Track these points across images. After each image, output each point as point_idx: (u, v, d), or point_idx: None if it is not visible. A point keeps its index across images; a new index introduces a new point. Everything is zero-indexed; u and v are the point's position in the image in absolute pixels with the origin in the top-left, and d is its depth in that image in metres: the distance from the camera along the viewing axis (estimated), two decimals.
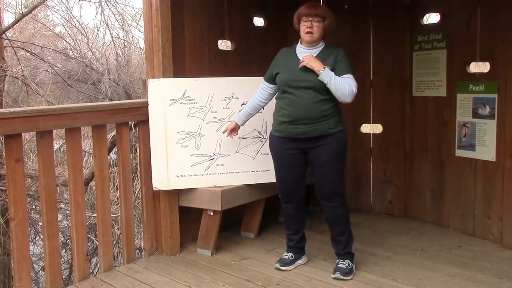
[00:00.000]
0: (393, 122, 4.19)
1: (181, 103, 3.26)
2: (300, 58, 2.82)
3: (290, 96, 2.82)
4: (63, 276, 5.65)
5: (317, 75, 2.74)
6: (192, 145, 3.29)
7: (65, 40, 9.10)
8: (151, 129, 3.22)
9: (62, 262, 5.62)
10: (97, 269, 4.01)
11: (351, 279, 2.91)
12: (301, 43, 2.90)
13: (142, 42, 8.72)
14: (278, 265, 3.09)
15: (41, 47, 8.18)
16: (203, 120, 3.31)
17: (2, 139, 3.49)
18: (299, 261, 3.14)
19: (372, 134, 4.41)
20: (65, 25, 9.16)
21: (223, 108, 3.35)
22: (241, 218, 3.78)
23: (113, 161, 6.47)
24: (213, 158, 3.34)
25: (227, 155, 3.36)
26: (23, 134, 2.76)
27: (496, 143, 3.43)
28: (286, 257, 3.12)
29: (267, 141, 3.12)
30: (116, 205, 5.93)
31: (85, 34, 8.72)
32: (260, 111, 3.20)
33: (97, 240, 3.27)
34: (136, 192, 5.72)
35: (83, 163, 3.53)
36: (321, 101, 2.78)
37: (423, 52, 3.92)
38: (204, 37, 3.66)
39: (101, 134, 3.08)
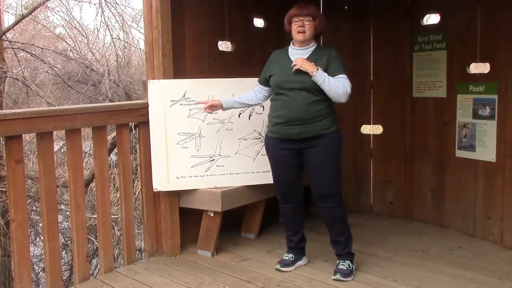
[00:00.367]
0: (393, 123, 4.20)
1: (181, 104, 3.26)
2: (292, 59, 2.84)
3: (284, 98, 2.84)
4: (64, 278, 5.65)
5: (307, 76, 2.76)
6: (192, 146, 3.29)
7: (65, 42, 9.11)
8: (151, 130, 3.22)
9: (62, 263, 5.62)
10: (97, 270, 4.01)
11: (352, 280, 2.91)
12: (293, 44, 2.93)
13: (142, 43, 8.74)
14: (278, 266, 3.09)
15: (41, 48, 8.18)
16: (203, 121, 3.31)
17: (3, 140, 3.49)
18: (300, 262, 3.14)
19: (373, 135, 4.41)
20: (65, 26, 9.18)
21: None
22: (241, 219, 3.78)
23: (113, 162, 6.47)
24: (213, 159, 3.33)
25: (227, 156, 3.36)
26: (23, 135, 2.76)
27: (497, 144, 3.43)
28: (287, 258, 3.12)
29: None
30: (117, 206, 5.93)
31: (85, 35, 8.73)
32: (254, 110, 3.23)
33: (97, 241, 3.27)
34: (137, 193, 5.71)
35: (84, 164, 3.52)
36: (315, 102, 2.79)
37: (423, 53, 3.92)
38: (204, 38, 3.66)
39: (101, 135, 3.09)
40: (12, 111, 2.68)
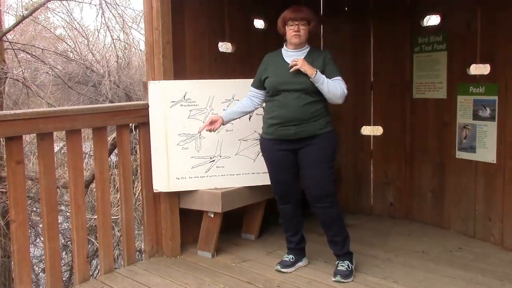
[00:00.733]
0: (393, 124, 4.20)
1: (181, 105, 3.26)
2: (287, 61, 2.86)
3: (279, 99, 2.85)
4: (64, 278, 5.65)
5: (307, 78, 2.78)
6: (192, 147, 3.29)
7: (65, 42, 9.11)
8: (151, 131, 3.22)
9: (62, 264, 5.62)
10: (97, 271, 4.00)
11: (352, 281, 2.91)
12: (286, 46, 2.95)
13: (142, 44, 8.74)
14: (278, 267, 3.09)
15: (42, 49, 8.18)
16: (203, 122, 3.30)
17: (3, 141, 3.50)
18: (300, 263, 3.14)
19: (373, 136, 4.41)
20: (66, 27, 9.18)
21: (224, 110, 3.34)
22: (241, 220, 3.78)
23: (113, 163, 6.47)
24: (214, 160, 3.33)
25: (227, 157, 3.36)
26: (23, 136, 2.76)
27: (497, 145, 3.43)
28: (287, 259, 3.12)
29: None
30: (117, 207, 5.93)
31: (85, 36, 8.72)
32: (255, 111, 3.21)
33: (97, 242, 3.28)
34: (137, 194, 5.71)
35: (84, 165, 3.52)
36: (311, 102, 2.82)
37: (424, 54, 3.92)
38: (204, 39, 3.66)
39: (102, 136, 3.09)
40: (12, 112, 2.68)
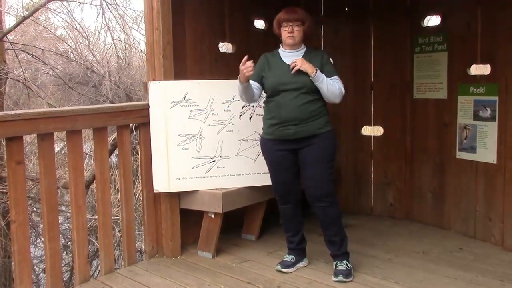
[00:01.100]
0: (394, 124, 4.20)
1: (182, 106, 3.27)
2: (286, 61, 2.89)
3: (278, 99, 2.86)
4: (64, 279, 5.65)
5: (306, 77, 2.80)
6: (193, 147, 3.29)
7: (66, 43, 9.11)
8: (152, 131, 3.22)
9: (63, 265, 5.61)
10: (98, 271, 4.00)
11: (352, 280, 2.91)
12: (282, 47, 2.97)
13: (143, 45, 8.73)
14: (279, 267, 3.09)
15: (42, 49, 8.18)
16: (204, 122, 3.31)
17: (3, 141, 3.50)
18: (300, 264, 3.14)
19: (373, 136, 4.41)
20: (66, 27, 9.18)
21: (224, 110, 3.35)
22: (242, 221, 3.78)
23: (114, 163, 6.47)
24: (214, 161, 3.34)
25: (228, 157, 3.36)
26: (24, 136, 2.76)
27: (497, 146, 3.42)
28: (287, 259, 3.12)
29: None
30: (117, 207, 5.93)
31: (86, 37, 8.72)
32: (255, 111, 3.27)
33: (98, 243, 3.28)
34: (137, 194, 5.71)
35: (84, 165, 3.52)
36: (310, 101, 2.83)
37: (424, 54, 3.92)
38: (205, 39, 3.67)
39: (102, 136, 3.09)
40: (13, 112, 2.68)
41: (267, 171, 3.14)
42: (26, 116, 2.65)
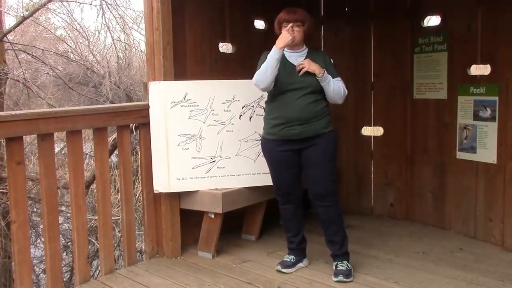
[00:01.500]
0: (394, 124, 4.20)
1: (182, 106, 3.27)
2: (290, 61, 2.90)
3: (283, 98, 2.87)
4: (64, 279, 5.65)
5: (313, 77, 2.82)
6: (193, 147, 3.29)
7: (66, 43, 9.11)
8: (152, 131, 3.22)
9: (63, 265, 5.61)
10: (98, 272, 4.00)
11: (352, 281, 2.91)
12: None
13: (143, 45, 8.73)
14: (279, 267, 3.09)
15: (42, 50, 8.19)
16: (204, 122, 3.31)
17: (3, 142, 3.50)
18: (301, 264, 3.14)
19: (373, 136, 4.41)
20: (66, 28, 9.19)
21: (224, 110, 3.35)
22: (242, 221, 3.77)
23: (114, 163, 6.47)
24: (214, 161, 3.33)
25: (228, 157, 3.36)
26: (24, 137, 2.76)
27: (497, 146, 3.42)
28: (288, 259, 3.12)
29: None
30: (117, 207, 5.93)
31: (86, 37, 8.73)
32: (255, 112, 3.27)
33: (98, 243, 3.28)
34: (137, 194, 5.71)
35: (84, 165, 3.53)
36: (314, 101, 2.85)
37: (424, 54, 3.92)
38: (205, 39, 3.66)
39: (102, 136, 3.09)
40: (13, 112, 2.68)
41: (267, 171, 3.14)
42: (26, 116, 2.65)
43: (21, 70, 7.85)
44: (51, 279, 2.83)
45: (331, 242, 3.01)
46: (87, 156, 6.95)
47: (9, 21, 8.56)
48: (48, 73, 8.33)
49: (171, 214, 3.33)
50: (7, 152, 2.64)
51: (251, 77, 3.26)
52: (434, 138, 3.92)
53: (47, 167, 2.78)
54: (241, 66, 3.86)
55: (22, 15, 7.69)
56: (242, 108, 3.38)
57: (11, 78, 7.69)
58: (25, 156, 4.43)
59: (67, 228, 6.78)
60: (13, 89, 8.48)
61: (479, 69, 3.66)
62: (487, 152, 3.50)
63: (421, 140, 4.03)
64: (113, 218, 3.40)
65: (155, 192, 3.27)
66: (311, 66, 2.81)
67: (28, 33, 8.97)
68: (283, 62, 2.90)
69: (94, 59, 8.75)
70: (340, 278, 2.90)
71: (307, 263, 3.18)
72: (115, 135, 5.22)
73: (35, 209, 7.05)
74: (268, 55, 2.82)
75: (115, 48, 8.51)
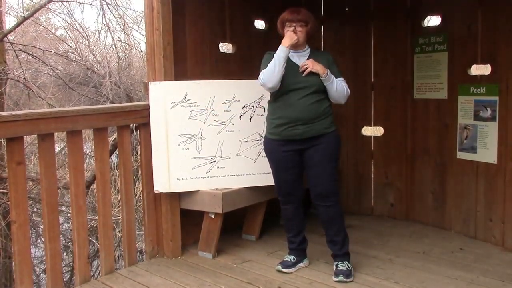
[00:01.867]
0: (394, 124, 4.20)
1: (182, 106, 3.27)
2: (295, 62, 2.89)
3: (287, 98, 2.86)
4: (64, 279, 5.65)
5: (316, 77, 2.82)
6: (193, 147, 3.29)
7: (66, 43, 9.11)
8: (152, 131, 3.22)
9: (63, 265, 5.62)
10: (98, 272, 4.00)
11: (352, 281, 2.91)
12: None
13: (143, 45, 8.73)
14: (279, 267, 3.09)
15: (43, 50, 8.19)
16: (204, 122, 3.31)
17: (4, 142, 3.50)
18: (301, 264, 3.14)
19: (374, 136, 4.41)
20: (67, 28, 9.19)
21: (224, 110, 3.35)
22: (242, 221, 3.78)
23: (114, 163, 6.47)
24: (214, 161, 3.33)
25: (228, 157, 3.36)
26: (24, 137, 2.76)
27: (498, 146, 3.42)
28: (288, 259, 3.12)
29: None
30: (118, 207, 5.93)
31: (86, 37, 8.73)
32: (255, 112, 3.26)
33: (98, 243, 3.28)
34: (138, 195, 5.71)
35: (85, 166, 3.53)
36: (318, 101, 2.86)
37: (424, 54, 3.92)
38: (205, 40, 3.66)
39: (103, 137, 3.09)
40: (13, 112, 2.68)
41: (268, 171, 3.14)
42: (26, 116, 2.65)
43: (22, 70, 7.86)
44: (51, 279, 2.83)
45: (332, 242, 3.01)
46: (88, 156, 6.96)
47: (10, 21, 8.58)
48: (48, 73, 8.33)
49: (172, 214, 3.33)
50: (8, 152, 2.64)
51: (251, 77, 3.27)
52: (434, 138, 3.92)
53: (47, 167, 2.78)
54: (242, 66, 3.87)
55: (22, 15, 7.69)
56: (243, 108, 3.38)
57: (11, 78, 7.69)
58: (26, 156, 4.44)
59: (67, 228, 6.78)
60: (14, 89, 8.48)
61: (480, 69, 3.66)
62: (487, 152, 3.50)
63: (421, 140, 4.03)
64: (113, 218, 3.40)
65: (155, 192, 3.27)
66: (315, 66, 2.82)
67: (28, 33, 8.98)
68: (287, 61, 2.90)
69: (94, 59, 8.75)
70: (341, 278, 2.90)
71: (307, 263, 3.18)
72: (115, 135, 5.22)
73: (35, 209, 7.05)
74: (275, 54, 2.82)
75: (116, 48, 8.52)
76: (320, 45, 4.33)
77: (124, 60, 8.78)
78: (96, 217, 3.26)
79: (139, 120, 3.27)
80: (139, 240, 5.01)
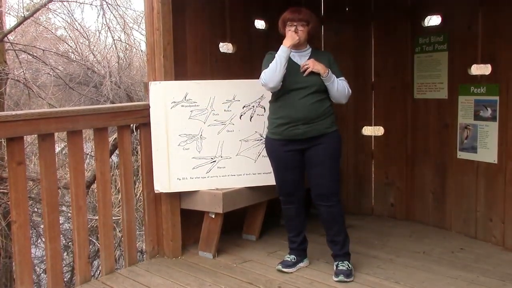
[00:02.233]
0: (394, 124, 4.19)
1: (182, 106, 3.27)
2: (296, 61, 2.89)
3: (288, 98, 2.86)
4: (65, 279, 5.65)
5: (317, 77, 2.82)
6: (193, 147, 3.29)
7: (66, 43, 9.12)
8: (152, 131, 3.22)
9: (63, 265, 5.61)
10: (98, 271, 4.01)
11: (352, 281, 2.91)
12: None
13: (143, 45, 8.74)
14: (280, 267, 3.09)
15: (43, 50, 8.19)
16: (204, 122, 3.31)
17: (4, 142, 3.51)
18: (301, 264, 3.14)
19: (374, 136, 4.40)
20: (67, 28, 9.20)
21: (225, 110, 3.35)
22: (242, 221, 3.77)
23: (114, 163, 6.47)
24: (215, 161, 3.33)
25: (228, 157, 3.36)
26: (24, 137, 2.76)
27: (498, 146, 3.42)
28: (288, 259, 3.12)
29: None
30: (118, 207, 5.92)
31: (86, 37, 8.74)
32: (256, 112, 3.26)
33: (98, 243, 3.27)
34: (138, 194, 5.72)
35: (85, 165, 3.53)
36: (319, 101, 2.86)
37: (425, 54, 3.92)
38: (205, 39, 3.66)
39: (103, 137, 3.09)
40: (13, 112, 2.68)
41: (268, 171, 3.14)
42: (26, 116, 2.65)
43: (22, 70, 7.86)
44: (51, 279, 2.83)
45: (333, 242, 3.01)
46: (88, 156, 6.96)
47: (10, 21, 8.58)
48: (48, 73, 8.34)
49: (172, 214, 3.33)
50: (8, 152, 2.64)
51: (251, 77, 3.27)
52: (434, 138, 3.92)
53: (47, 167, 2.78)
54: (242, 66, 3.87)
55: (22, 15, 7.69)
56: (243, 108, 3.38)
57: (11, 78, 7.70)
58: (26, 156, 4.44)
59: (67, 228, 6.78)
60: (14, 89, 8.49)
61: (480, 69, 3.65)
62: (487, 152, 3.49)
63: (421, 140, 4.03)
64: (113, 218, 3.40)
65: (155, 192, 3.27)
66: (316, 66, 2.82)
67: (28, 33, 8.98)
68: (288, 61, 2.90)
69: (94, 59, 8.76)
70: (341, 278, 2.90)
71: (307, 263, 3.18)
72: (115, 135, 5.22)
73: (35, 209, 7.05)
74: (276, 54, 2.82)
75: (116, 48, 8.52)
76: (320, 45, 4.33)
77: (124, 60, 8.79)
78: (97, 217, 3.26)
79: (139, 120, 3.27)
80: (139, 240, 5.01)
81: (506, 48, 3.31)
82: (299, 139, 2.87)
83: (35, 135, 2.85)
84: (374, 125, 4.36)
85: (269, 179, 3.25)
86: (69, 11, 8.48)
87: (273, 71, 2.80)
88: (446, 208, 3.88)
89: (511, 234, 3.39)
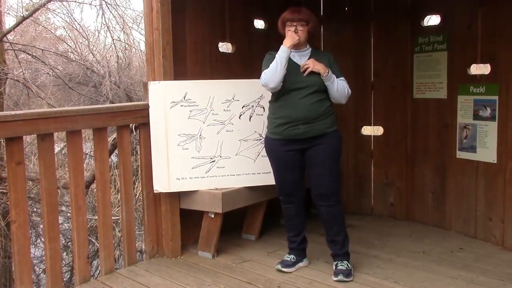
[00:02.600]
0: (394, 124, 4.19)
1: (182, 106, 3.26)
2: (296, 61, 2.89)
3: (288, 98, 2.86)
4: (64, 279, 5.64)
5: (317, 77, 2.82)
6: (193, 147, 3.29)
7: (66, 43, 9.12)
8: (152, 131, 3.22)
9: (63, 265, 5.61)
10: (98, 271, 4.00)
11: (352, 280, 2.91)
12: None
13: (143, 45, 8.74)
14: (279, 267, 3.09)
15: (42, 50, 8.19)
16: (203, 122, 3.31)
17: (3, 142, 3.50)
18: (301, 264, 3.14)
19: (373, 136, 4.40)
20: (66, 28, 9.20)
21: (224, 110, 3.35)
22: (242, 221, 3.77)
23: (114, 163, 6.47)
24: (214, 161, 3.33)
25: (227, 157, 3.36)
26: (24, 137, 2.76)
27: (497, 145, 3.42)
28: (288, 259, 3.12)
29: None
30: (117, 207, 5.93)
31: (86, 37, 8.74)
32: (255, 111, 3.26)
33: (98, 243, 3.27)
34: (137, 194, 5.71)
35: (84, 165, 3.52)
36: (319, 101, 2.86)
37: (424, 54, 3.92)
38: (205, 39, 3.66)
39: (102, 136, 3.09)
40: (13, 112, 2.68)
41: (267, 171, 3.14)
42: (26, 116, 2.65)
43: (21, 70, 7.86)
44: (51, 279, 2.83)
45: (332, 242, 3.01)
46: (87, 156, 6.95)
47: (9, 21, 8.58)
48: (48, 73, 8.34)
49: (171, 214, 3.33)
50: (7, 152, 2.64)
51: (251, 77, 3.27)
52: (434, 137, 3.92)
53: (47, 167, 2.78)
54: (241, 66, 3.87)
55: (22, 15, 7.69)
56: (242, 107, 3.38)
57: (11, 78, 7.69)
58: (25, 156, 4.44)
59: (67, 228, 6.78)
60: (13, 89, 8.49)
61: (479, 69, 3.66)
62: (487, 151, 3.49)
63: (421, 140, 4.03)
64: (113, 218, 3.40)
65: (155, 192, 3.27)
66: (316, 66, 2.82)
67: (28, 33, 8.98)
68: (288, 61, 2.89)
69: (94, 59, 8.75)
70: (340, 277, 2.90)
71: (307, 262, 3.18)
72: (115, 135, 5.22)
73: (35, 209, 7.05)
74: (277, 54, 2.82)
75: (115, 48, 8.52)
76: (320, 45, 4.33)
77: (123, 59, 8.78)
78: (96, 217, 3.25)
79: (138, 120, 3.27)
80: (139, 240, 5.01)
81: (506, 48, 3.31)
82: (299, 139, 2.87)
83: (35, 135, 2.85)
84: (374, 125, 4.36)
85: (269, 179, 3.24)
86: (68, 11, 8.50)
87: (274, 72, 2.80)
88: (446, 208, 3.88)
89: (511, 233, 3.39)
